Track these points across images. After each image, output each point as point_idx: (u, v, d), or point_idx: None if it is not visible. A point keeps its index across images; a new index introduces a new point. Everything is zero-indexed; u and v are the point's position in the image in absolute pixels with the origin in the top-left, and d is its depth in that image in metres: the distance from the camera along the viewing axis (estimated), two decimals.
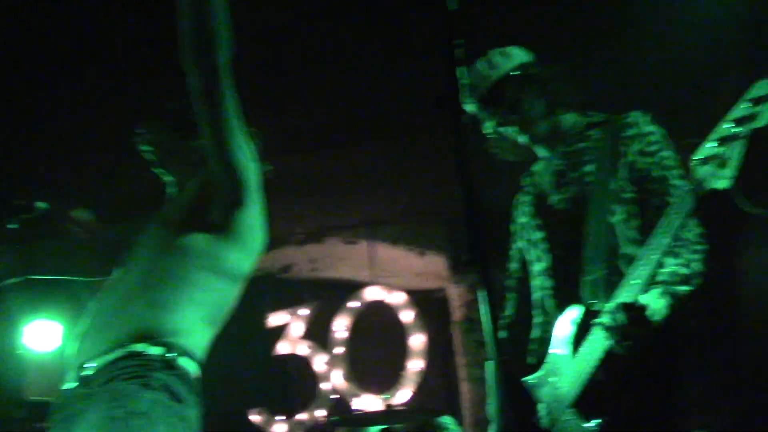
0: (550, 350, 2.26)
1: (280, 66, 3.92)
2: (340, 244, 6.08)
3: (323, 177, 5.16)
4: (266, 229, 2.19)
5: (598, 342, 2.04)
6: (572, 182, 2.37)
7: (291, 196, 5.34)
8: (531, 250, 2.50)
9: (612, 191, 2.27)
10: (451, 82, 1.45)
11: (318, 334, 6.23)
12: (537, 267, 2.45)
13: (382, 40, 3.74)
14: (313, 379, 6.17)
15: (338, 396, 6.04)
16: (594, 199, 2.28)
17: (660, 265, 1.97)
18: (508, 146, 2.61)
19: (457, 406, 5.85)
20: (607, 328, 1.99)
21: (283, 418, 6.04)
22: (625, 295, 2.00)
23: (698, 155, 1.78)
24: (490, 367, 1.31)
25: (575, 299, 2.22)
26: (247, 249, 2.10)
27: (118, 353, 1.85)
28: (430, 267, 6.14)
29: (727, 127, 1.69)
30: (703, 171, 1.76)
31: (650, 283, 2.00)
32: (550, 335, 2.29)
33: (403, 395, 5.88)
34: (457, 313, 5.87)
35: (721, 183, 1.71)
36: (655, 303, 2.00)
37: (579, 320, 2.18)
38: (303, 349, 6.24)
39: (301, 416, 6.08)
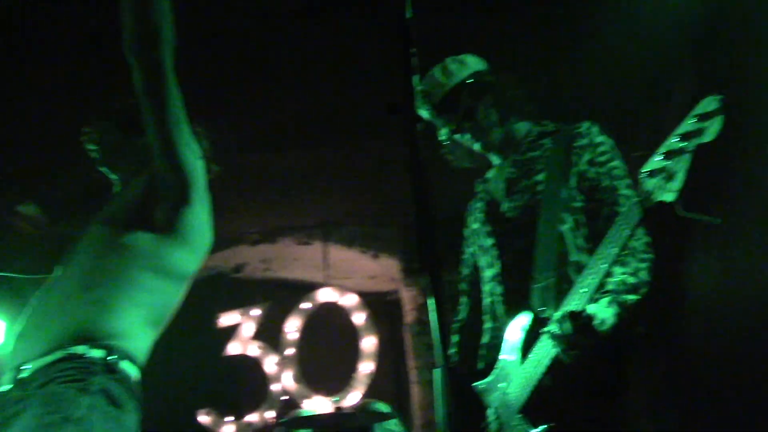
0: (500, 356, 2.28)
1: (239, 67, 3.89)
2: (294, 245, 6.05)
3: (278, 177, 5.13)
4: (212, 228, 2.16)
5: (546, 349, 2.06)
6: (524, 190, 2.40)
7: (245, 195, 5.30)
8: (482, 256, 2.52)
9: (562, 200, 2.31)
10: (405, 90, 1.45)
11: (269, 334, 6.18)
12: (488, 273, 2.47)
13: (341, 44, 3.74)
14: (264, 380, 6.13)
15: (288, 397, 6.00)
16: (545, 207, 2.31)
17: (608, 274, 2.00)
18: (463, 153, 2.63)
19: (408, 409, 5.87)
20: (554, 337, 2.02)
21: (232, 419, 5.98)
22: (573, 303, 2.03)
23: (646, 168, 1.81)
24: (437, 374, 1.31)
25: (525, 306, 2.25)
26: (192, 249, 2.08)
27: (57, 355, 1.81)
28: (383, 270, 6.15)
29: (674, 141, 1.73)
30: (650, 183, 1.80)
31: (598, 291, 2.03)
32: (500, 341, 2.31)
33: (353, 397, 5.87)
34: (409, 316, 5.89)
35: (668, 196, 1.75)
36: (603, 312, 2.04)
37: (528, 327, 2.20)
38: (254, 349, 6.18)
39: (251, 417, 6.02)
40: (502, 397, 2.22)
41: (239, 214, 5.56)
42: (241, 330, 6.18)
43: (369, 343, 6.08)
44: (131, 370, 1.89)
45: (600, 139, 2.34)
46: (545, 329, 2.08)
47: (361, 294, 6.21)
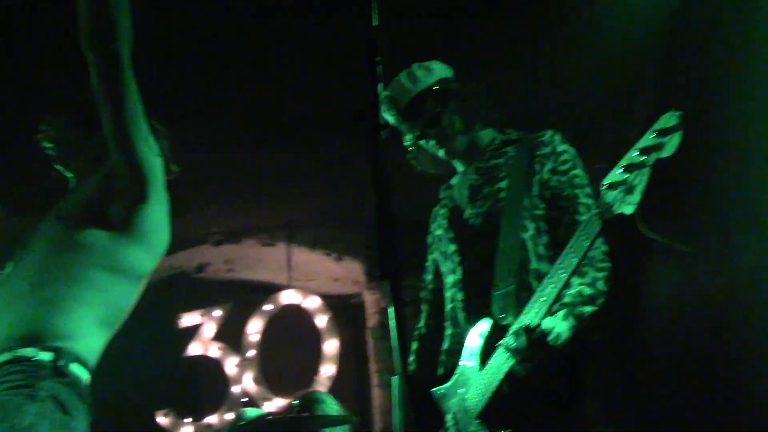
0: (460, 362, 2.30)
1: (205, 66, 3.85)
2: (258, 246, 6.02)
3: (243, 178, 5.10)
4: (171, 227, 2.12)
5: (505, 356, 2.08)
6: (487, 197, 2.42)
7: (209, 195, 5.25)
8: (445, 262, 2.53)
9: (524, 207, 2.33)
10: (370, 98, 1.45)
11: (231, 336, 6.14)
12: (450, 279, 2.48)
13: (310, 47, 3.73)
14: (224, 381, 6.08)
15: (248, 399, 5.96)
16: (507, 215, 2.33)
17: (568, 283, 2.02)
18: (427, 159, 2.65)
19: (369, 412, 5.87)
20: (509, 350, 2.04)
21: (191, 420, 5.92)
22: (530, 315, 2.05)
23: (607, 180, 1.84)
24: (395, 381, 1.31)
25: (486, 312, 2.26)
26: (148, 247, 2.03)
27: (4, 357, 1.77)
28: (347, 272, 6.14)
29: (634, 155, 1.76)
30: (611, 196, 1.83)
31: (556, 303, 2.05)
32: (461, 347, 2.32)
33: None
34: (371, 319, 5.89)
35: (627, 208, 1.77)
36: (559, 326, 2.06)
37: (488, 333, 2.22)
38: (214, 350, 6.14)
39: (210, 419, 5.97)
40: (461, 403, 2.23)
41: (203, 213, 5.51)
42: (203, 331, 6.13)
43: (331, 346, 6.07)
44: (81, 373, 1.84)
45: (562, 147, 2.37)
46: (501, 342, 2.10)
47: (324, 296, 6.20)
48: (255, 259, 6.23)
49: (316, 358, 6.04)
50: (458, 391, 2.26)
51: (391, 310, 1.30)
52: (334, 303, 6.26)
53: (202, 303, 6.21)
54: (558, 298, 2.02)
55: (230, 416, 5.92)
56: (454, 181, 2.64)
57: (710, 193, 3.26)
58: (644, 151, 1.73)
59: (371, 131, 1.40)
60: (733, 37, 2.99)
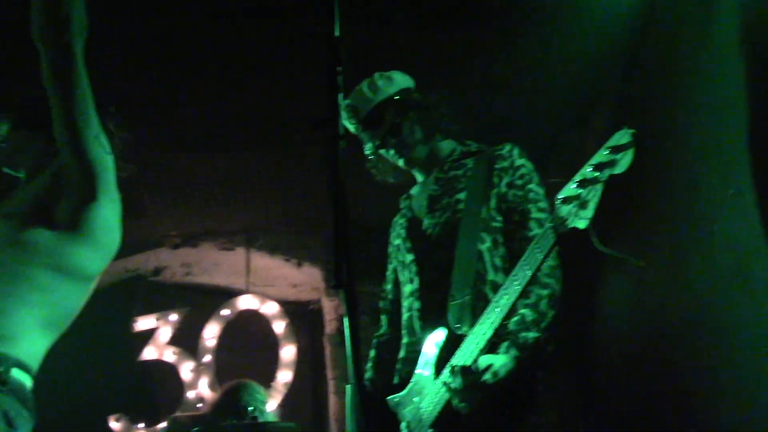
0: (416, 371, 2.31)
1: (166, 66, 3.82)
2: (216, 250, 5.97)
3: (203, 180, 5.05)
4: (122, 228, 2.05)
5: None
6: (445, 208, 2.43)
7: (168, 197, 5.20)
8: (403, 271, 2.54)
9: (482, 219, 2.35)
10: (330, 106, 1.45)
11: (187, 340, 6.07)
12: (407, 288, 2.49)
13: (274, 51, 3.72)
14: (179, 386, 6.01)
15: (204, 405, 5.90)
16: (464, 226, 2.35)
17: (522, 294, 2.04)
18: (387, 168, 2.66)
19: (325, 419, 5.85)
20: (448, 389, 2.06)
21: (144, 426, 5.83)
22: (472, 343, 2.06)
23: (561, 194, 1.87)
24: (349, 390, 1.32)
25: (442, 322, 2.27)
26: (97, 248, 1.96)
27: None
28: (306, 279, 6.13)
29: (588, 171, 1.79)
30: (564, 210, 1.86)
31: (498, 333, 2.06)
32: (417, 356, 2.33)
33: (270, 406, 5.81)
34: (329, 326, 5.88)
35: (581, 223, 1.81)
36: (498, 361, 2.07)
37: (443, 343, 2.23)
38: (170, 355, 6.06)
39: (164, 424, 5.89)
40: (415, 412, 2.24)
41: (160, 215, 5.45)
42: (158, 335, 6.05)
43: (288, 352, 6.04)
44: (24, 379, 1.78)
45: (520, 162, 2.40)
46: (442, 379, 2.12)
47: (282, 302, 6.17)
48: (213, 264, 6.18)
49: (273, 364, 6.00)
50: (413, 399, 2.27)
51: (345, 320, 1.30)
52: (292, 309, 6.23)
53: (158, 307, 6.13)
54: (511, 310, 2.04)
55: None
56: (413, 191, 2.66)
57: (663, 206, 3.33)
58: (597, 167, 1.77)
59: (331, 140, 1.40)
60: (690, 54, 3.06)
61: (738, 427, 2.73)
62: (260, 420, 3.80)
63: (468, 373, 2.02)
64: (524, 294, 2.09)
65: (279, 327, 6.10)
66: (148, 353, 6.02)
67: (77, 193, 1.92)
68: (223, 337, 6.05)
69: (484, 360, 2.05)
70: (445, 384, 2.09)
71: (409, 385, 2.31)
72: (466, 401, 2.03)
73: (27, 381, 1.80)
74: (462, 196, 2.41)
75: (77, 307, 1.97)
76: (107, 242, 1.99)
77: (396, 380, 2.46)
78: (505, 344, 2.10)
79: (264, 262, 6.01)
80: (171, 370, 6.06)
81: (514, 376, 2.08)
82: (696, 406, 3.09)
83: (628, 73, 3.72)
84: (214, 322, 6.08)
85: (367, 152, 2.60)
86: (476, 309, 2.19)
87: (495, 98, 4.11)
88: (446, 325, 2.26)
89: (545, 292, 2.19)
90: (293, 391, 5.96)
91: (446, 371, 2.10)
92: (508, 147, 2.44)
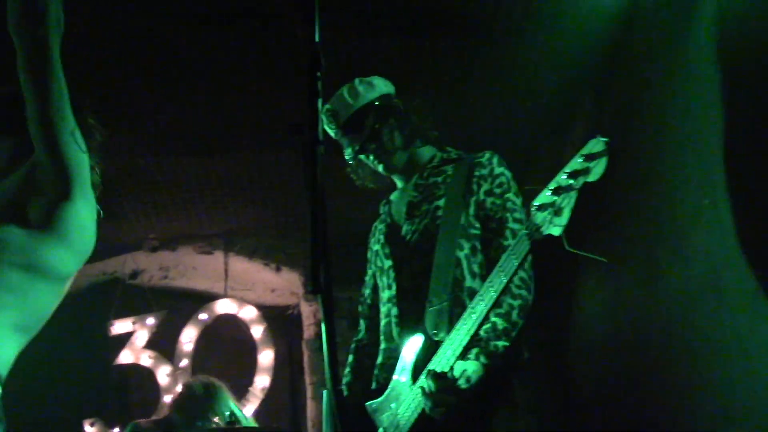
0: (393, 377, 2.31)
1: (148, 68, 3.80)
2: (194, 253, 5.94)
3: (182, 183, 5.03)
4: (97, 228, 2.01)
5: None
6: (424, 214, 2.44)
7: (146, 199, 5.17)
8: (381, 277, 2.54)
9: (461, 226, 2.35)
10: (310, 111, 1.45)
11: (164, 344, 6.03)
12: (385, 294, 2.49)
13: (254, 55, 3.71)
14: (156, 390, 5.96)
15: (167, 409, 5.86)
16: (443, 233, 2.35)
17: (497, 302, 2.05)
18: (367, 173, 2.67)
19: (303, 424, 5.83)
20: (423, 393, 2.07)
21: (119, 430, 5.78)
22: (448, 349, 2.07)
23: (536, 201, 1.88)
24: (326, 396, 1.32)
25: (420, 328, 2.27)
26: (70, 248, 1.90)
27: None
28: (284, 283, 6.11)
29: (562, 178, 1.81)
30: (539, 217, 1.87)
31: (471, 342, 2.07)
32: (394, 362, 2.33)
33: (247, 411, 5.78)
34: (308, 331, 5.87)
35: (555, 230, 1.82)
36: (470, 367, 2.07)
37: (420, 349, 2.24)
38: (146, 359, 6.02)
39: None
40: (392, 418, 2.24)
41: (138, 218, 5.42)
42: (135, 338, 6.01)
43: (266, 357, 6.02)
44: None
45: (499, 170, 2.41)
46: (418, 385, 2.12)
47: (260, 307, 6.15)
48: (191, 267, 6.15)
49: (250, 368, 5.98)
50: (391, 405, 2.27)
51: (323, 326, 1.30)
52: (270, 314, 6.21)
53: (136, 310, 6.09)
54: (485, 318, 2.05)
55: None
56: (393, 196, 2.66)
57: (639, 216, 3.36)
58: (572, 174, 1.78)
59: (309, 145, 1.40)
60: (667, 65, 3.09)
61: None
62: (243, 424, 3.77)
63: (443, 379, 2.03)
64: (496, 303, 2.10)
65: (257, 331, 6.08)
66: (125, 357, 5.97)
67: (51, 191, 1.87)
68: (200, 342, 6.02)
69: (459, 366, 2.05)
70: (421, 390, 2.09)
71: (387, 391, 2.31)
72: (441, 407, 2.03)
73: None
74: (441, 202, 2.41)
75: (49, 310, 1.91)
76: (81, 242, 1.94)
77: (374, 386, 2.46)
78: (474, 351, 2.11)
79: (242, 266, 5.99)
80: (148, 374, 6.01)
81: (489, 382, 2.09)
82: (670, 413, 3.12)
83: (606, 83, 3.75)
84: (192, 326, 6.05)
85: (347, 157, 2.60)
86: (453, 315, 2.19)
87: (475, 105, 4.13)
88: (423, 331, 2.26)
89: (517, 302, 2.20)
90: (271, 396, 5.94)
91: (423, 377, 2.11)
92: (487, 155, 2.45)
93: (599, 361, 4.00)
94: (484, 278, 2.23)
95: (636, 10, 3.38)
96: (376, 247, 2.60)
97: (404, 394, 2.22)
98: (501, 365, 2.15)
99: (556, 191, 1.82)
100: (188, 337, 6.01)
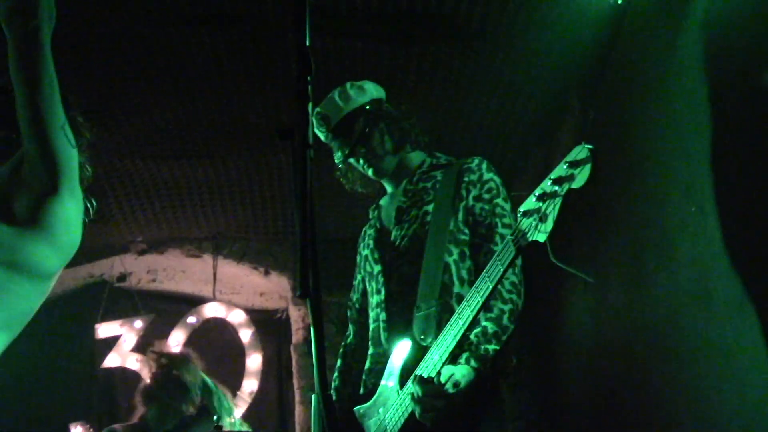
0: (381, 382, 2.31)
1: (137, 70, 3.79)
2: (183, 256, 5.91)
3: (170, 186, 5.01)
4: (83, 226, 1.98)
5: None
6: (413, 219, 2.44)
7: (134, 202, 5.15)
8: (370, 282, 2.54)
9: (449, 232, 2.36)
10: (300, 115, 1.45)
11: (151, 348, 5.99)
12: (374, 299, 2.49)
13: (245, 58, 3.71)
14: None
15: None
16: (432, 238, 2.36)
17: (484, 306, 2.05)
18: (356, 178, 2.67)
19: (291, 429, 5.81)
20: (412, 398, 2.07)
21: None
22: (436, 354, 2.07)
23: (523, 207, 1.89)
24: (314, 400, 1.32)
25: (408, 333, 2.28)
26: (56, 244, 1.87)
27: None
28: (273, 287, 6.09)
29: (548, 184, 1.81)
30: (525, 223, 1.87)
31: (460, 345, 2.08)
32: (382, 367, 2.34)
33: (235, 415, 5.76)
34: (296, 335, 5.86)
35: (540, 236, 1.82)
36: (459, 372, 2.08)
37: (408, 354, 2.24)
38: (133, 362, 5.98)
39: None
40: (380, 423, 2.24)
41: (127, 221, 5.39)
42: (122, 342, 5.98)
43: (254, 361, 6.01)
44: None
45: (488, 176, 2.42)
46: (406, 390, 2.13)
47: (249, 311, 6.14)
48: (179, 270, 6.13)
49: (238, 372, 5.96)
50: (378, 410, 2.27)
51: (312, 330, 1.30)
52: (259, 317, 6.20)
53: (123, 313, 6.06)
54: (472, 324, 2.05)
55: None
56: (382, 201, 2.67)
57: (626, 223, 3.37)
58: (557, 181, 1.79)
59: (299, 149, 1.40)
60: (655, 72, 3.10)
61: None
62: (236, 429, 3.76)
63: (431, 383, 2.03)
64: (487, 307, 2.10)
65: (245, 335, 6.06)
66: (112, 360, 5.94)
67: (39, 186, 1.84)
68: (188, 345, 5.99)
69: (447, 371, 2.05)
70: (411, 395, 2.09)
71: (375, 396, 2.31)
72: (429, 412, 2.03)
73: None
74: (430, 208, 2.42)
75: (32, 308, 1.88)
76: (66, 239, 1.91)
77: (362, 391, 2.46)
78: (465, 355, 2.12)
79: (231, 270, 5.98)
80: (135, 377, 5.97)
81: (476, 387, 2.09)
82: (656, 421, 3.13)
83: (594, 90, 3.77)
84: (180, 329, 6.02)
85: (336, 161, 2.61)
86: (441, 321, 2.20)
87: (464, 111, 4.14)
88: (411, 336, 2.26)
89: (507, 307, 2.21)
90: (259, 400, 5.92)
91: (410, 382, 2.11)
92: (476, 160, 2.46)
93: (586, 367, 4.01)
94: (472, 284, 2.23)
95: (623, 17, 3.40)
96: (366, 251, 2.60)
97: (392, 399, 2.23)
98: (490, 370, 2.15)
99: (542, 197, 1.82)
100: (176, 341, 5.99)
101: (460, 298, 2.24)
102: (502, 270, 1.94)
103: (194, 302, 6.12)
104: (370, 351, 2.49)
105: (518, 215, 1.90)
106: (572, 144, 1.81)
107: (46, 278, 1.89)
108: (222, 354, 6.01)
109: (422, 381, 2.04)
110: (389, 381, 2.26)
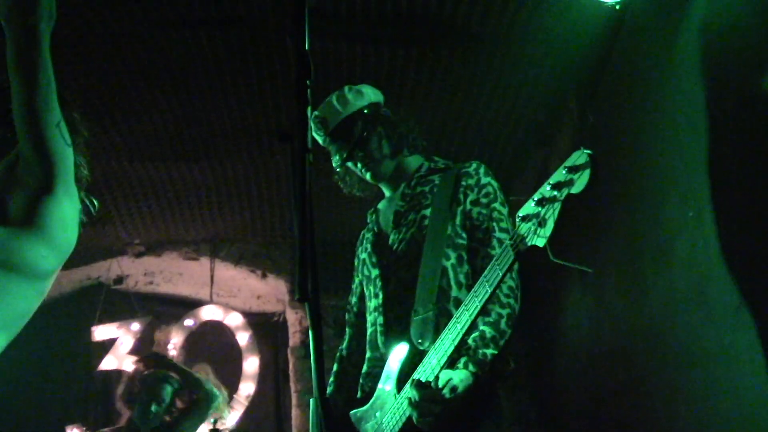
0: (378, 386, 2.30)
1: (135, 72, 3.79)
2: (180, 259, 5.91)
3: (168, 188, 5.01)
4: (79, 226, 1.98)
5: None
6: (411, 224, 2.44)
7: (132, 205, 5.15)
8: (368, 286, 2.54)
9: (447, 236, 2.35)
10: (299, 119, 1.45)
11: (149, 350, 5.99)
12: (372, 303, 2.49)
13: (245, 61, 3.71)
14: None
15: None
16: (430, 242, 2.35)
17: (482, 311, 2.05)
18: (354, 181, 2.67)
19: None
20: (410, 404, 2.07)
21: None
22: (433, 358, 2.07)
23: (522, 212, 1.89)
24: (312, 404, 1.31)
25: (405, 337, 2.27)
26: (51, 244, 1.86)
27: None
28: (270, 290, 6.09)
29: (547, 189, 1.81)
30: (524, 228, 1.87)
31: (458, 350, 2.07)
32: (379, 371, 2.33)
33: (232, 418, 5.75)
34: (294, 338, 5.85)
35: (539, 241, 1.82)
36: (456, 376, 2.07)
37: (406, 358, 2.24)
38: (130, 365, 5.97)
39: None
40: (377, 427, 2.24)
41: (124, 223, 5.39)
42: (119, 344, 5.97)
43: (251, 364, 6.00)
44: None
45: (486, 180, 2.41)
46: (403, 394, 2.13)
47: (246, 313, 6.13)
48: (177, 273, 6.12)
49: (235, 375, 5.95)
50: (375, 414, 2.27)
51: (310, 334, 1.29)
52: (256, 320, 6.20)
53: (120, 316, 6.06)
54: (470, 329, 2.05)
55: None
56: (380, 205, 2.66)
57: (624, 228, 3.37)
58: (556, 186, 1.79)
59: (298, 152, 1.40)
60: (652, 78, 3.11)
61: None
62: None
63: (428, 388, 2.03)
64: (485, 312, 2.10)
65: (242, 338, 6.06)
66: (108, 363, 5.93)
67: (34, 184, 1.83)
68: (185, 348, 5.99)
69: (444, 375, 2.05)
70: (408, 400, 2.09)
71: (372, 400, 2.30)
72: (427, 417, 2.03)
73: None
74: (428, 212, 2.41)
75: (30, 309, 1.87)
76: (63, 238, 1.90)
77: (359, 395, 2.46)
78: (463, 359, 2.11)
79: (228, 273, 5.97)
80: None
81: (474, 391, 2.09)
82: (653, 423, 3.13)
83: (592, 94, 3.77)
84: (177, 332, 6.02)
85: (334, 165, 2.60)
86: (439, 325, 2.19)
87: (462, 116, 4.15)
88: (408, 340, 2.26)
89: (505, 311, 2.20)
90: (256, 403, 5.92)
91: (408, 386, 2.10)
92: (474, 165, 2.46)
93: (584, 371, 4.01)
94: (470, 288, 2.22)
95: (621, 21, 3.41)
96: (363, 255, 2.60)
97: (389, 403, 2.22)
98: (487, 375, 2.15)
99: (540, 202, 1.82)
100: (173, 343, 5.98)
101: (457, 303, 2.23)
102: (500, 274, 1.94)
103: (191, 305, 6.12)
104: (368, 355, 2.48)
105: (517, 220, 1.90)
106: (570, 147, 1.81)
107: (44, 278, 1.89)
108: (219, 357, 6.01)
109: (420, 385, 2.04)
110: (386, 385, 2.26)
